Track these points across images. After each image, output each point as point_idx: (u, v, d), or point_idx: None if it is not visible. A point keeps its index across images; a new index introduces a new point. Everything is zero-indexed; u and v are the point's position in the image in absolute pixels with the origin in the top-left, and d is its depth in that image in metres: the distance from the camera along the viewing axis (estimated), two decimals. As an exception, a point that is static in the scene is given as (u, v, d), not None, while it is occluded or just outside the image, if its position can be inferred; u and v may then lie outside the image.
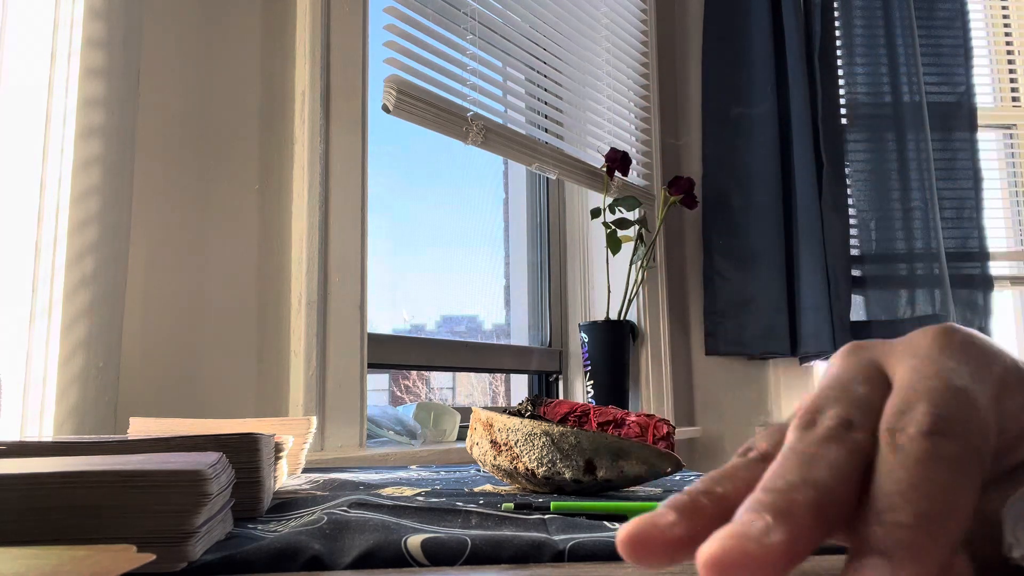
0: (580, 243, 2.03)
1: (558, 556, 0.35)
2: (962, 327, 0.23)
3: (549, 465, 0.58)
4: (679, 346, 2.06)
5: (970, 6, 2.21)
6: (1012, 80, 2.38)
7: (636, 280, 1.85)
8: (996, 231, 2.24)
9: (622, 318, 1.80)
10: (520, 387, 1.95)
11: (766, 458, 0.22)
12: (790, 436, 0.21)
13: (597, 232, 1.93)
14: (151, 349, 0.92)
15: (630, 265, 1.84)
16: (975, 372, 0.21)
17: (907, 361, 0.22)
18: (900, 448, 0.19)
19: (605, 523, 0.44)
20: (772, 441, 0.22)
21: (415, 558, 0.35)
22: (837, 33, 2.15)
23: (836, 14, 2.15)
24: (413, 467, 0.84)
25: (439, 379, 1.96)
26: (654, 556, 0.19)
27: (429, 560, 0.35)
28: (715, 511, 0.20)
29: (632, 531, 0.19)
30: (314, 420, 0.71)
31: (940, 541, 0.17)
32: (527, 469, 0.59)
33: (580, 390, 1.93)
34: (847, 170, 2.10)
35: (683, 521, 0.19)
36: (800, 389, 2.11)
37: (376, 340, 1.34)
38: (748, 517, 0.18)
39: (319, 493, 0.57)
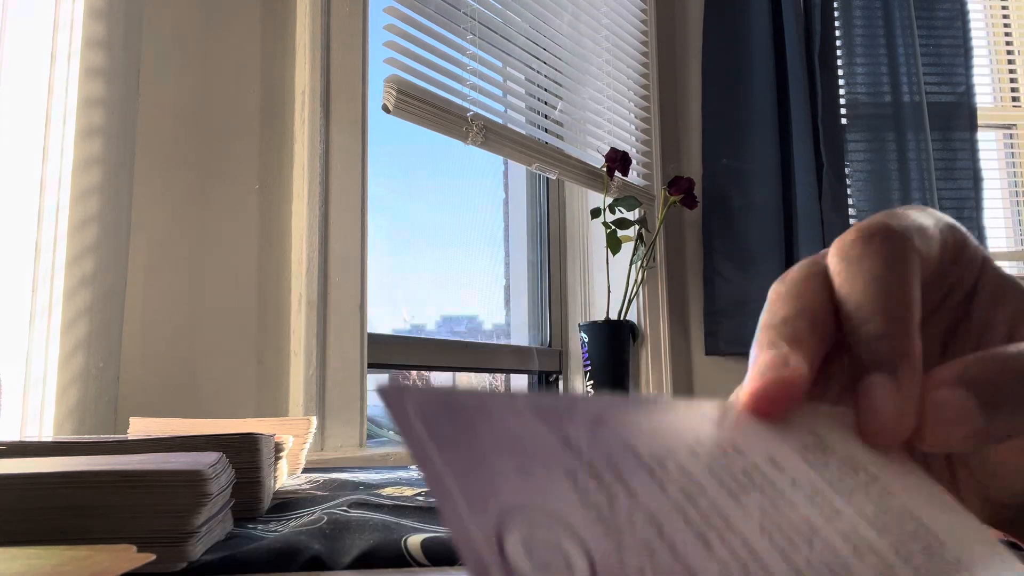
0: (580, 243, 2.03)
1: (558, 556, 0.35)
2: None
3: (549, 465, 0.58)
4: (679, 346, 2.06)
5: (970, 6, 2.21)
6: (1012, 80, 2.38)
7: (636, 280, 1.84)
8: (996, 231, 2.24)
9: (622, 318, 1.80)
10: (520, 387, 1.95)
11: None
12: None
13: (597, 232, 1.93)
14: (151, 349, 0.92)
15: (630, 265, 1.84)
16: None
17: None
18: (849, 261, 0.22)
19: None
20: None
21: (415, 558, 0.35)
22: (837, 33, 2.15)
23: (836, 14, 2.15)
24: (413, 467, 0.84)
25: (439, 379, 1.95)
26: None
27: (429, 560, 0.35)
28: None
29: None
30: (314, 420, 0.71)
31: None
32: (527, 469, 0.59)
33: (580, 390, 1.93)
34: (847, 170, 2.10)
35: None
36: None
37: (376, 340, 1.34)
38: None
39: (319, 493, 0.57)
